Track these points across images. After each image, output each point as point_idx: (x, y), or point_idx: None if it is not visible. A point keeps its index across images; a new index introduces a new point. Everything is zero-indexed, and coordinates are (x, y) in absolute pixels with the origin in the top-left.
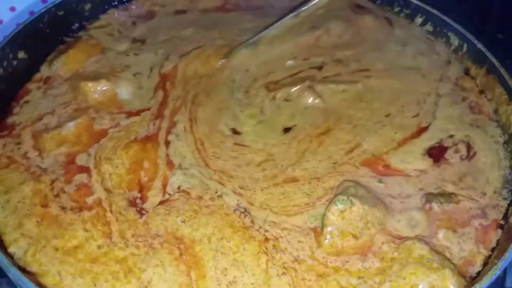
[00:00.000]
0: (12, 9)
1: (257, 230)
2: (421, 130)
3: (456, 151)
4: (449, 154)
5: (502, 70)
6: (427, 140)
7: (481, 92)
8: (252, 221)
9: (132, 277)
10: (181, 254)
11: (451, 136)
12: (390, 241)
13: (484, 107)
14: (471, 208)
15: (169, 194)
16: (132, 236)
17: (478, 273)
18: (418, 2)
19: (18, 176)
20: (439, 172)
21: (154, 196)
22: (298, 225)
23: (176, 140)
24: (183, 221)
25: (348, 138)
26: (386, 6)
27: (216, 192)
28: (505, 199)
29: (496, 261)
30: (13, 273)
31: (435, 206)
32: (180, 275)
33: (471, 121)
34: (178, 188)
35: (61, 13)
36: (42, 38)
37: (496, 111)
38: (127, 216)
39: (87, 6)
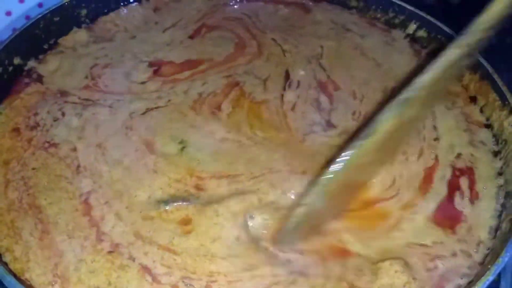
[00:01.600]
0: (8, 13)
1: None
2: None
3: (462, 194)
4: (458, 203)
5: (495, 76)
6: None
7: (475, 98)
8: None
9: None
10: None
11: (458, 156)
12: None
13: (473, 113)
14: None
15: None
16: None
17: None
18: (412, 8)
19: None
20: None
21: None
22: None
23: None
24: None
25: None
26: (380, 11)
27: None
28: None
29: (489, 266)
30: (9, 281)
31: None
32: None
33: (467, 131)
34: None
35: (57, 19)
36: (38, 44)
37: (488, 118)
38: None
39: (83, 12)
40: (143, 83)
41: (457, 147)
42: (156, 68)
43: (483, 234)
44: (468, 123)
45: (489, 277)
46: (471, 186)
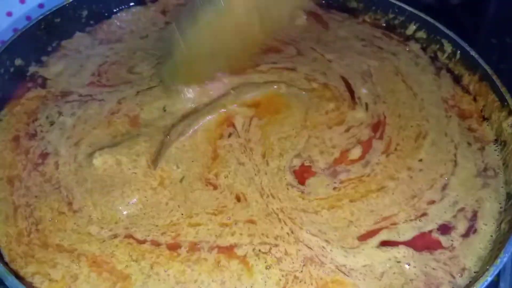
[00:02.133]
0: (9, 14)
1: None
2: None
3: (449, 235)
4: (444, 241)
5: (494, 77)
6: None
7: (475, 99)
8: None
9: None
10: None
11: (461, 211)
12: None
13: (484, 134)
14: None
15: None
16: None
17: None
18: (412, 9)
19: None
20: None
21: None
22: None
23: None
24: None
25: None
26: (381, 13)
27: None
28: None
29: (487, 267)
30: (11, 281)
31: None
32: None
33: (481, 175)
34: None
35: (58, 20)
36: (40, 45)
37: (489, 118)
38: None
39: (84, 13)
40: (140, 73)
41: (461, 202)
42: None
43: (469, 263)
44: (483, 154)
45: (488, 277)
46: (471, 225)
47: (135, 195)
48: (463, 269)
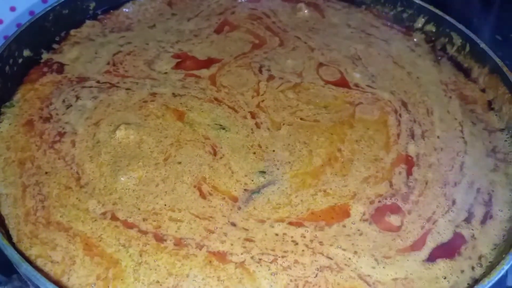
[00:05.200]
0: (12, 9)
1: None
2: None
3: (469, 223)
4: (466, 235)
5: (505, 69)
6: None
7: (483, 90)
8: None
9: None
10: None
11: (478, 191)
12: None
13: (489, 121)
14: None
15: None
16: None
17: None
18: (420, 2)
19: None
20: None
21: None
22: None
23: None
24: None
25: None
26: (388, 5)
27: None
28: None
29: (503, 255)
30: (25, 269)
31: None
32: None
33: (490, 156)
34: None
35: (66, 11)
36: (47, 37)
37: (499, 110)
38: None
39: (92, 5)
40: (165, 73)
41: (477, 182)
42: (180, 60)
43: (486, 249)
44: (490, 136)
45: (504, 265)
46: (487, 211)
47: (139, 171)
48: (480, 257)
